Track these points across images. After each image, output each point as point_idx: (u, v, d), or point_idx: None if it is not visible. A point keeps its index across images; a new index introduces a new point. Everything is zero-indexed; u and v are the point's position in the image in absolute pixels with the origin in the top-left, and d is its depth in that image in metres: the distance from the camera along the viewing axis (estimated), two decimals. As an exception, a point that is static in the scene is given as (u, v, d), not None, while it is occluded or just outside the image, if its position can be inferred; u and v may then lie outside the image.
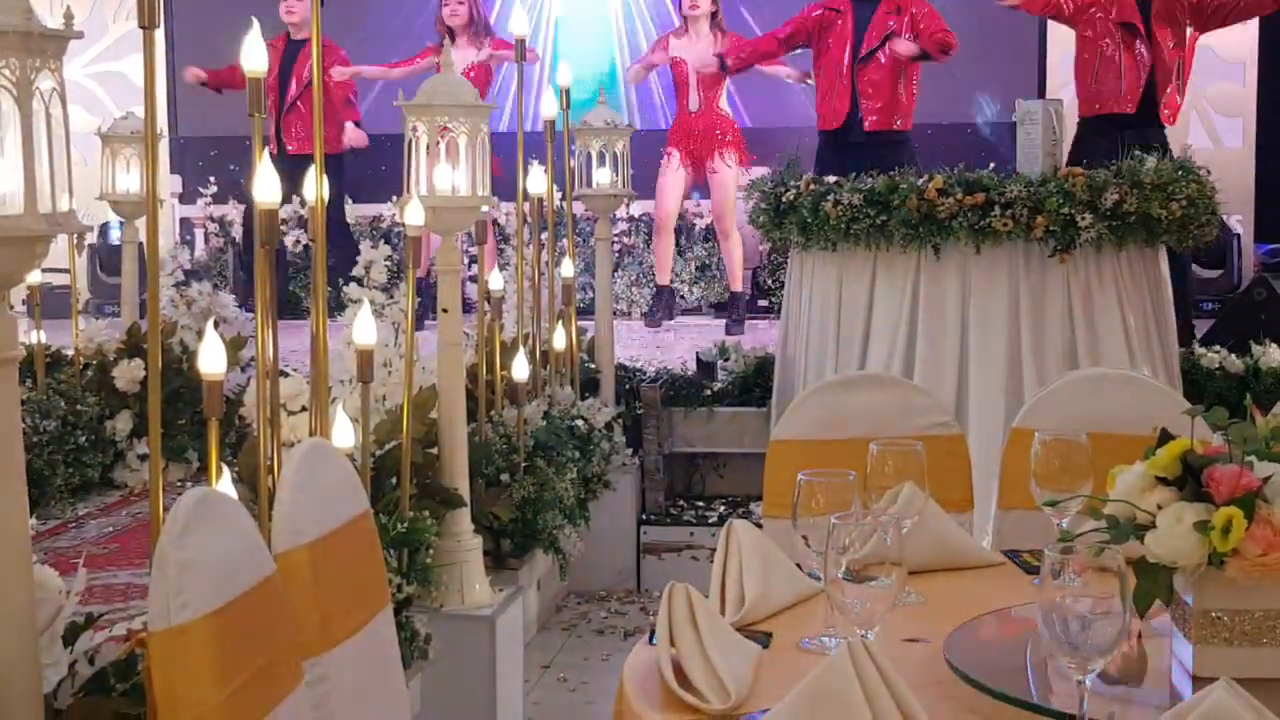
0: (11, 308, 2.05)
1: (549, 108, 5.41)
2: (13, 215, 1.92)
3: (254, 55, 2.90)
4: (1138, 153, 5.49)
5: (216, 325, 3.46)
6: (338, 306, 4.63)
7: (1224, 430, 2.05)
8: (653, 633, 2.09)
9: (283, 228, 9.62)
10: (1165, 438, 2.06)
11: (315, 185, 3.25)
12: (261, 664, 1.96)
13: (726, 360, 6.35)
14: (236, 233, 9.89)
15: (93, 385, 5.45)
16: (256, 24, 2.94)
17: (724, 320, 8.49)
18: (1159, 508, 1.96)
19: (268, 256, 2.86)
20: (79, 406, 5.25)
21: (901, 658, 2.01)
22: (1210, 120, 9.88)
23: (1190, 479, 1.99)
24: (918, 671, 2.01)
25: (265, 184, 2.86)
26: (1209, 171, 5.47)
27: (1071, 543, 1.87)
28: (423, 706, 3.30)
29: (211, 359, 2.63)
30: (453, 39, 8.16)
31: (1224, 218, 6.37)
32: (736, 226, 8.27)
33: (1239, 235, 9.31)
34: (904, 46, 7.08)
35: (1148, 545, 1.94)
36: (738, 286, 8.48)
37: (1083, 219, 5.17)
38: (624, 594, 5.71)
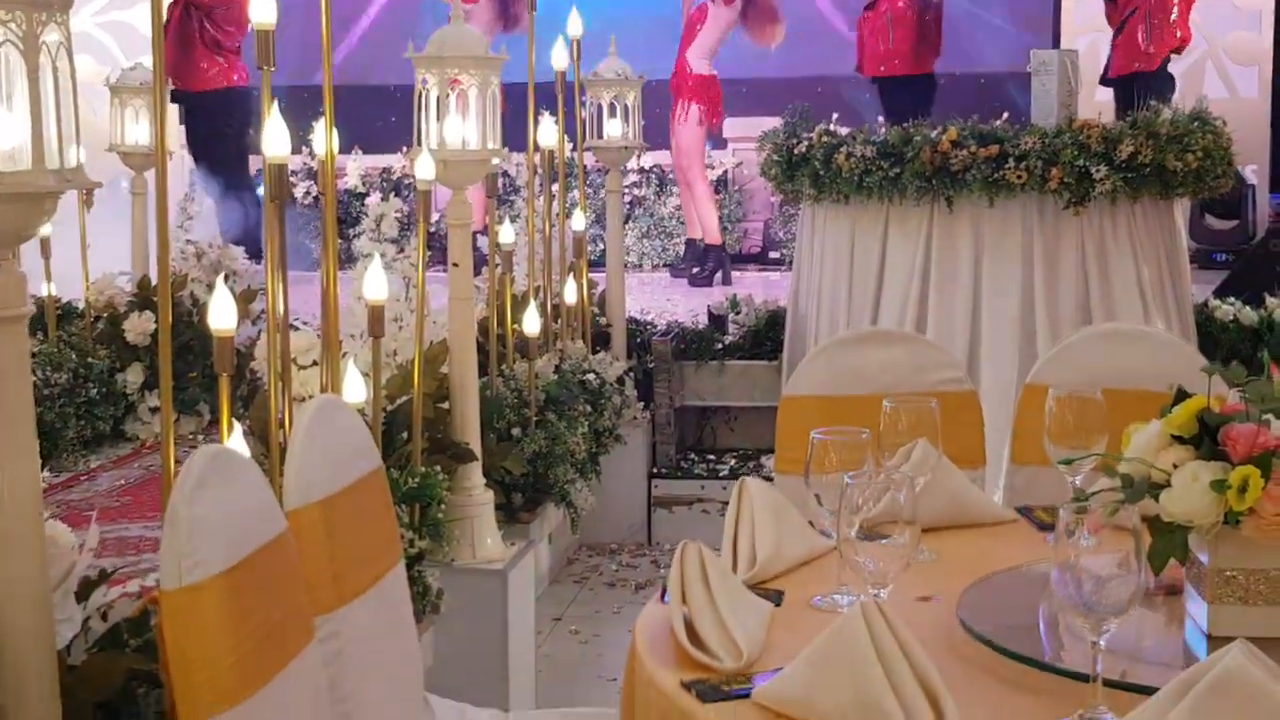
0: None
1: (560, 59, 5.37)
2: (21, 171, 1.90)
3: (262, 7, 2.87)
4: (1153, 103, 5.45)
5: (227, 279, 3.45)
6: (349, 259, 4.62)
7: (1241, 388, 2.03)
8: (664, 590, 2.08)
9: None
10: (1181, 396, 2.05)
11: (325, 138, 3.23)
12: (274, 622, 1.96)
13: (737, 313, 6.33)
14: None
15: (103, 338, 5.45)
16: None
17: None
18: (1175, 466, 1.95)
19: (277, 210, 2.85)
20: (90, 359, 5.26)
21: (914, 616, 2.01)
22: (1226, 69, 9.78)
23: (1207, 437, 1.97)
24: (930, 630, 2.00)
25: (274, 137, 2.84)
26: (1225, 122, 5.43)
27: (1086, 502, 1.87)
28: (435, 660, 3.31)
29: (222, 315, 2.62)
30: None
31: (1239, 168, 6.33)
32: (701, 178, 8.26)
33: (1254, 186, 9.24)
34: None
35: (1163, 504, 1.93)
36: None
37: (1097, 171, 5.14)
38: (635, 547, 5.72)
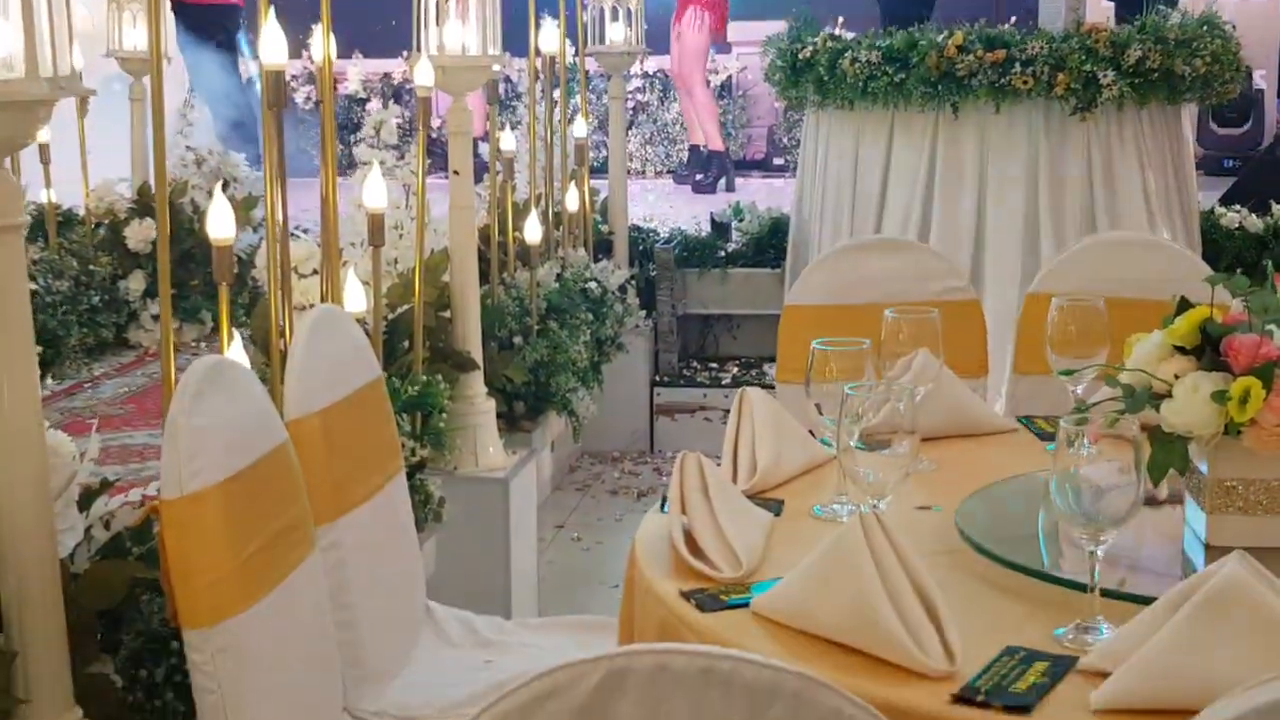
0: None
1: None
2: (14, 79, 1.88)
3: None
4: (1161, 7, 5.38)
5: (226, 186, 3.43)
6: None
7: (1244, 298, 2.02)
8: (664, 501, 2.09)
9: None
10: (1184, 306, 2.04)
11: (322, 43, 3.19)
12: (275, 531, 1.97)
13: (741, 221, 6.30)
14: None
15: (105, 245, 5.43)
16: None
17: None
18: (1176, 377, 1.94)
19: (275, 119, 2.82)
20: (91, 266, 5.24)
21: (913, 525, 2.02)
22: (1237, -29, 9.63)
23: (1209, 348, 1.97)
24: (929, 539, 2.01)
25: (271, 44, 2.80)
26: (1234, 26, 5.36)
27: (1087, 412, 1.86)
28: (437, 568, 3.33)
29: (220, 224, 2.60)
30: None
31: (1250, 68, 6.27)
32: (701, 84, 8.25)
33: (1263, 91, 9.13)
34: None
35: (1164, 415, 1.93)
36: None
37: (1104, 76, 5.08)
38: (637, 455, 5.74)
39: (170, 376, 2.60)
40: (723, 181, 8.38)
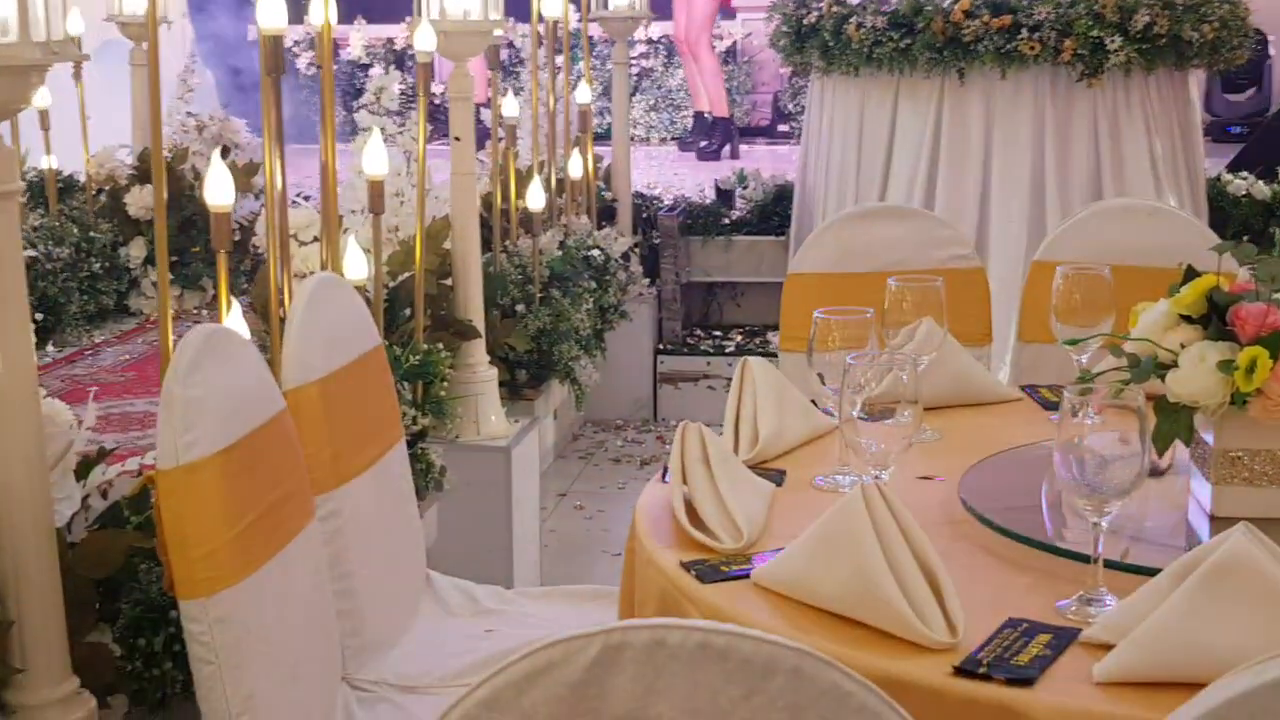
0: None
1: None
2: (7, 44, 1.86)
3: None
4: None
5: (227, 152, 3.40)
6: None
7: (1251, 266, 1.99)
8: (665, 470, 2.07)
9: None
10: (1191, 274, 2.01)
11: (322, 7, 3.16)
12: (272, 501, 1.96)
13: (745, 188, 6.27)
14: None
15: (105, 212, 5.41)
16: None
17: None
18: (1182, 346, 1.92)
19: (274, 85, 2.79)
20: (92, 233, 5.21)
21: (916, 496, 2.00)
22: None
23: (1215, 317, 1.94)
24: (932, 510, 1.99)
25: (269, 8, 2.78)
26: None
27: (1091, 383, 1.84)
28: (439, 536, 3.32)
29: (218, 190, 2.58)
30: None
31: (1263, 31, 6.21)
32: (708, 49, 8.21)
33: (1273, 57, 9.05)
34: None
35: (1169, 384, 1.91)
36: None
37: (1111, 42, 5.04)
38: (640, 423, 5.72)
39: (168, 345, 2.58)
40: (727, 148, 8.34)
